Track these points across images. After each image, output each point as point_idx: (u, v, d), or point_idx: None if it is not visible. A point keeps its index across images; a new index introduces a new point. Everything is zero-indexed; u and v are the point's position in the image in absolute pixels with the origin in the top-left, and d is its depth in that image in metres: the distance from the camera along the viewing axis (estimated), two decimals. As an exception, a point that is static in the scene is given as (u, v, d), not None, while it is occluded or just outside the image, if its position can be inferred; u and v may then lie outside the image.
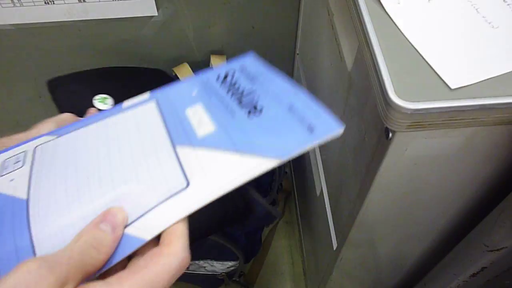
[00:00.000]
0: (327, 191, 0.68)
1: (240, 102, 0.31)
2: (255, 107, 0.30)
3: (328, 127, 0.27)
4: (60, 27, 0.78)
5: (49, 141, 0.31)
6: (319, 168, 0.72)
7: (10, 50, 0.83)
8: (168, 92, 0.34)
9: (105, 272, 0.23)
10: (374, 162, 0.39)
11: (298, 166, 0.98)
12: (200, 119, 0.30)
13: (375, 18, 0.38)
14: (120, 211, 0.25)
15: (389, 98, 0.32)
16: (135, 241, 0.24)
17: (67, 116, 0.35)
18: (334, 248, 0.62)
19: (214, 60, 0.87)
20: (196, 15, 0.81)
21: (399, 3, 0.39)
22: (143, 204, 0.26)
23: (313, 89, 0.74)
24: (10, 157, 0.30)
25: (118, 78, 0.76)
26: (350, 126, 0.49)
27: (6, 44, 0.81)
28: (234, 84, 0.33)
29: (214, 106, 0.31)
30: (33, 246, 0.24)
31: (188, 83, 0.35)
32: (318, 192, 0.73)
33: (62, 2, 0.74)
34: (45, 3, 0.73)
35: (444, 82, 0.33)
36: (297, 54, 0.91)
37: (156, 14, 0.78)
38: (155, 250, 0.24)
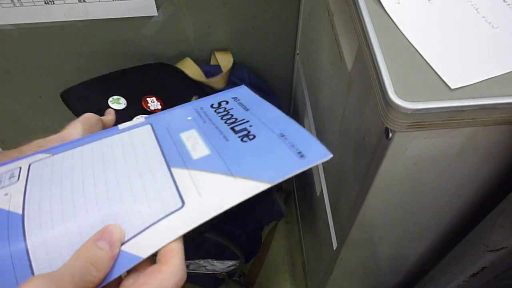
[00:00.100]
0: (327, 191, 0.68)
1: (233, 128, 0.32)
2: (248, 134, 0.32)
3: (317, 154, 0.29)
4: (60, 27, 0.78)
5: (44, 158, 0.31)
6: (319, 168, 0.72)
7: (10, 50, 0.83)
8: (163, 116, 0.35)
9: None
10: (374, 162, 0.39)
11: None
12: (194, 143, 0.32)
13: (375, 18, 0.38)
14: (117, 229, 0.26)
15: (389, 98, 0.32)
16: (131, 259, 0.25)
17: (90, 115, 0.37)
18: (334, 248, 0.62)
19: (219, 57, 0.87)
20: (196, 15, 0.81)
21: (399, 3, 0.39)
22: (139, 223, 0.26)
23: (313, 89, 0.74)
24: (5, 172, 0.30)
25: (126, 78, 0.77)
26: (350, 126, 0.49)
27: (6, 44, 0.81)
28: (228, 112, 0.35)
29: (208, 131, 0.33)
30: (29, 260, 0.24)
31: (182, 109, 0.36)
32: (318, 192, 0.73)
33: (62, 2, 0.74)
34: (45, 3, 0.73)
35: (444, 82, 0.33)
36: (297, 54, 0.91)
37: (156, 14, 0.78)
38: (154, 268, 0.25)
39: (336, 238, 0.62)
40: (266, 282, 1.12)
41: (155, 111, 0.73)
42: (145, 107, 0.72)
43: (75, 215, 0.27)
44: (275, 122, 0.33)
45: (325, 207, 0.67)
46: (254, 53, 0.91)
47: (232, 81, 0.88)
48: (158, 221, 0.26)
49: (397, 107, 0.32)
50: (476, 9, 0.39)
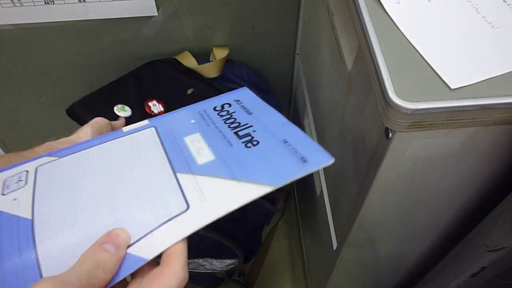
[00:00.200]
0: (327, 191, 0.68)
1: (237, 133, 0.33)
2: (251, 140, 0.32)
3: (319, 159, 0.29)
4: (60, 27, 0.78)
5: (51, 161, 0.32)
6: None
7: (10, 50, 0.83)
8: (167, 119, 0.36)
9: None
10: (374, 162, 0.39)
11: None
12: (199, 147, 0.32)
13: (375, 18, 0.38)
14: (123, 232, 0.26)
15: (389, 98, 0.32)
16: (137, 260, 0.25)
17: (99, 119, 0.38)
18: (334, 248, 0.62)
19: (216, 51, 0.87)
20: (196, 15, 0.81)
21: (399, 3, 0.39)
22: (144, 226, 0.27)
23: (313, 89, 0.74)
24: (12, 176, 0.30)
25: (125, 85, 0.79)
26: (350, 126, 0.49)
27: (6, 44, 0.81)
28: (231, 115, 0.36)
29: (212, 136, 0.33)
30: (38, 265, 0.25)
31: (186, 112, 0.37)
32: (318, 192, 0.73)
33: (62, 2, 0.74)
34: (45, 3, 0.73)
35: (444, 82, 0.33)
36: (297, 54, 0.91)
37: (156, 14, 0.78)
38: (156, 271, 0.25)
39: (336, 238, 0.62)
40: (266, 282, 1.13)
41: (160, 114, 0.74)
42: (149, 112, 0.74)
43: (83, 220, 0.27)
44: (278, 127, 0.33)
45: (325, 207, 0.67)
46: (254, 53, 0.91)
47: (230, 80, 0.87)
48: (162, 224, 0.27)
49: (397, 107, 0.32)
50: (476, 9, 0.39)
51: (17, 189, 0.29)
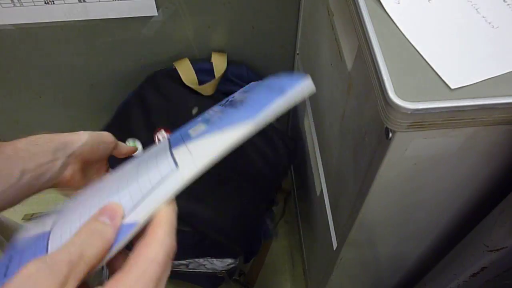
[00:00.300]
0: (327, 191, 0.68)
1: (231, 104, 0.34)
2: (241, 102, 0.33)
3: (296, 84, 0.28)
4: (60, 27, 0.78)
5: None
6: (319, 168, 0.72)
7: (10, 50, 0.83)
8: (179, 128, 0.37)
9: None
10: (374, 162, 0.39)
11: (298, 166, 0.98)
12: (196, 128, 0.33)
13: (375, 18, 0.38)
14: (117, 205, 0.26)
15: (389, 98, 0.32)
16: (129, 227, 0.25)
17: (107, 134, 0.38)
18: (334, 248, 0.62)
19: (215, 58, 0.87)
20: (196, 15, 0.81)
21: (399, 3, 0.39)
22: (139, 196, 0.27)
23: (313, 89, 0.74)
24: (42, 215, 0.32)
25: (130, 115, 0.81)
26: (350, 126, 0.49)
27: (6, 44, 0.81)
28: (228, 99, 0.37)
29: (209, 116, 0.34)
30: None
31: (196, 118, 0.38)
32: (318, 192, 0.73)
33: (62, 2, 0.74)
34: (45, 3, 0.73)
35: (444, 82, 0.33)
36: (297, 54, 0.91)
37: (156, 14, 0.78)
38: (140, 243, 0.24)
39: (336, 238, 0.62)
40: (266, 282, 1.12)
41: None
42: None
43: (89, 215, 0.27)
44: (267, 81, 0.34)
45: (325, 207, 0.67)
46: (254, 53, 0.91)
47: (230, 80, 0.88)
48: (155, 188, 0.27)
49: (397, 107, 0.32)
50: (476, 9, 0.39)
51: (46, 217, 0.31)
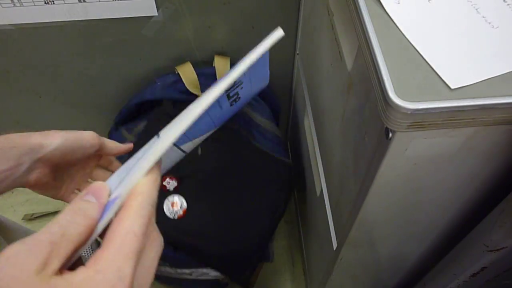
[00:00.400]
0: (327, 191, 0.68)
1: (228, 94, 0.33)
2: (236, 98, 0.34)
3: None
4: (60, 27, 0.78)
5: None
6: (319, 168, 0.72)
7: (10, 50, 0.83)
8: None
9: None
10: (374, 162, 0.39)
11: (298, 166, 0.98)
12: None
13: (375, 18, 0.38)
14: (102, 184, 0.26)
15: (389, 98, 0.32)
16: (113, 202, 0.25)
17: (89, 135, 0.37)
18: (334, 248, 0.62)
19: (218, 62, 0.87)
20: (196, 15, 0.81)
21: (399, 3, 0.39)
22: (124, 173, 0.27)
23: (313, 89, 0.74)
24: None
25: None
26: (350, 126, 0.49)
27: (6, 44, 0.81)
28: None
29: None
30: None
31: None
32: (318, 192, 0.73)
33: (62, 2, 0.74)
34: (45, 3, 0.73)
35: (444, 82, 0.33)
36: (297, 54, 0.91)
37: (156, 14, 0.78)
38: (116, 218, 0.24)
39: (336, 238, 0.62)
40: (266, 282, 1.12)
41: (175, 189, 0.78)
42: (165, 190, 0.77)
43: None
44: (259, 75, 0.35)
45: (325, 207, 0.67)
46: (254, 53, 0.91)
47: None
48: (138, 162, 0.26)
49: (397, 107, 0.32)
50: (476, 9, 0.39)
51: None
